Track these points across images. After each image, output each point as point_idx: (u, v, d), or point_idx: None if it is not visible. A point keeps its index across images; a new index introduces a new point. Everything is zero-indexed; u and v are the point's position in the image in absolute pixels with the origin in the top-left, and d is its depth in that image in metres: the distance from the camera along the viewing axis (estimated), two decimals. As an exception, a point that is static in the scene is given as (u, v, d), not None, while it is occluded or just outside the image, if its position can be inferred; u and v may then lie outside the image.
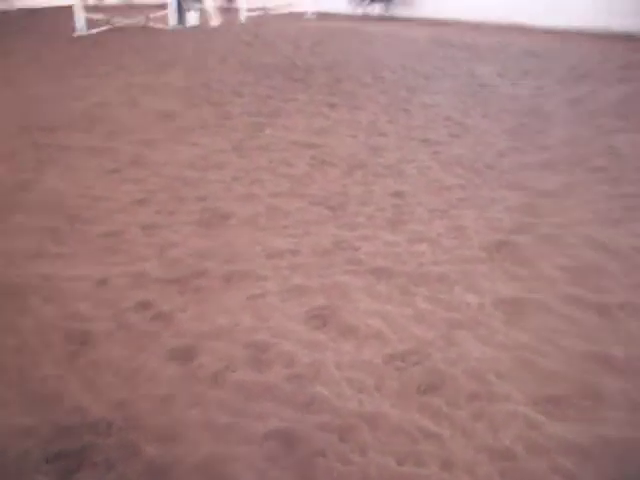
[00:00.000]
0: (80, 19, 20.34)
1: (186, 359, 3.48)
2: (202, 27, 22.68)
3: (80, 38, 19.82)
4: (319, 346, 3.59)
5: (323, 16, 26.13)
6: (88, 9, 22.00)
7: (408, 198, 5.88)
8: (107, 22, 21.53)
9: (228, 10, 25.08)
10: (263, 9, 26.05)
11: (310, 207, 5.66)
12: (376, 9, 26.22)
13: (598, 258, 4.70)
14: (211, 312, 3.94)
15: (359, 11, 26.50)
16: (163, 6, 23.07)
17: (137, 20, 22.56)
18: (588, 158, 7.13)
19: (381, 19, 25.21)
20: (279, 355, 3.50)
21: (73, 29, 20.36)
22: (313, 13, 26.36)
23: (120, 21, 22.09)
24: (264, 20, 24.83)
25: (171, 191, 6.07)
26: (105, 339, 3.68)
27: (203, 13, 23.44)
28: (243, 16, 24.79)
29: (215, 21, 23.11)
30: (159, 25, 22.00)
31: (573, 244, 4.93)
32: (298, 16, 26.13)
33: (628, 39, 18.56)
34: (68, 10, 21.61)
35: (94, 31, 20.55)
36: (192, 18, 23.22)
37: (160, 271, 4.48)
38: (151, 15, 22.50)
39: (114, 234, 5.10)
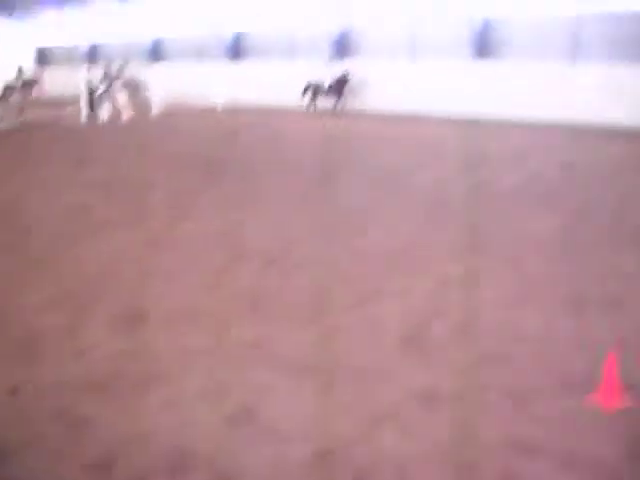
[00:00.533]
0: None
1: (104, 468, 3.40)
2: (114, 122, 22.79)
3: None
4: (240, 448, 3.58)
5: (237, 110, 26.61)
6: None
7: (324, 290, 5.98)
8: (19, 117, 21.41)
9: (140, 104, 25.28)
10: (176, 103, 26.37)
11: (228, 302, 5.68)
12: (328, 103, 26.41)
13: (509, 342, 4.86)
14: (129, 417, 3.88)
15: (311, 107, 26.44)
16: (75, 102, 23.12)
17: (50, 116, 22.52)
18: (495, 243, 7.44)
19: (324, 114, 25.28)
20: (199, 460, 3.46)
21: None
22: (225, 106, 26.86)
23: (32, 118, 22.01)
24: (177, 114, 25.12)
25: (87, 289, 6.01)
26: (20, 451, 3.57)
27: (115, 108, 23.59)
28: (156, 110, 25.04)
29: (127, 115, 23.25)
30: (71, 121, 22.00)
31: (485, 330, 5.09)
32: (211, 110, 26.55)
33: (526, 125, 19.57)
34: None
35: (5, 127, 20.38)
36: (104, 113, 23.34)
37: (76, 375, 4.40)
38: (63, 111, 22.51)
39: (27, 338, 4.99)
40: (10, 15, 42.82)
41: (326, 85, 26.06)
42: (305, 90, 26.32)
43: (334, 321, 5.29)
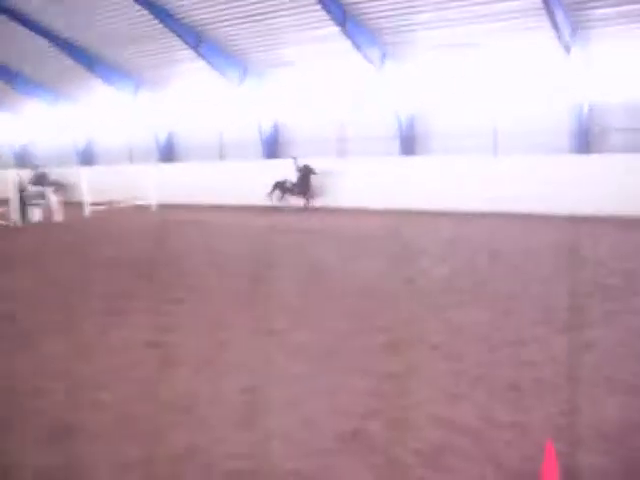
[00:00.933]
0: None
1: None
2: (45, 222, 22.53)
3: None
4: None
5: (169, 208, 26.66)
6: None
7: (257, 393, 5.89)
8: None
9: (73, 204, 25.12)
10: (109, 203, 26.28)
11: (159, 412, 5.52)
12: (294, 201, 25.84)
13: (447, 436, 4.88)
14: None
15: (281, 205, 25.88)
16: (4, 202, 22.85)
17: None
18: (427, 336, 7.52)
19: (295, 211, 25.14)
20: None
21: None
22: (158, 205, 26.89)
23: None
24: (109, 214, 25.00)
25: (11, 405, 5.78)
26: None
27: (46, 208, 23.37)
28: (87, 210, 24.88)
29: (58, 216, 23.04)
30: (0, 222, 21.68)
31: (422, 425, 5.10)
32: (144, 209, 26.53)
33: (456, 216, 20.17)
34: None
35: None
36: (35, 214, 23.10)
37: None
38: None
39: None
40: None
41: (291, 183, 25.50)
42: (273, 189, 25.70)
43: (270, 423, 5.21)
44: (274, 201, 25.67)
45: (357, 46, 22.78)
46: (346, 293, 9.97)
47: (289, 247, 15.17)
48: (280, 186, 25.61)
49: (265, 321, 8.39)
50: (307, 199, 25.37)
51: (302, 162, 25.29)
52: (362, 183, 24.32)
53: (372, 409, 5.43)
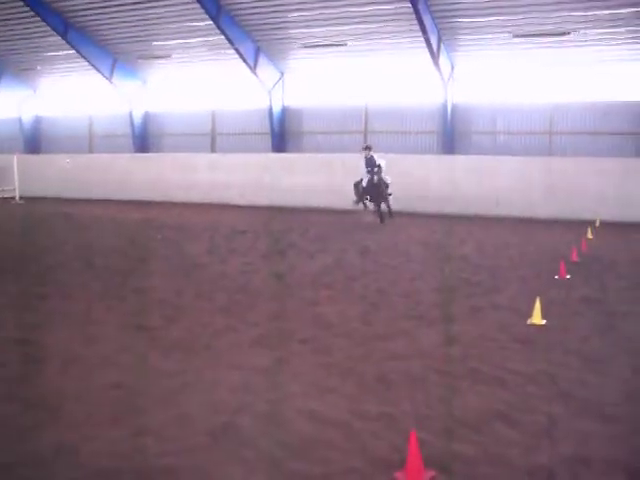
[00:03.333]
0: None
1: None
2: None
3: None
4: None
5: (36, 201, 25.55)
6: None
7: (127, 390, 5.77)
8: None
9: None
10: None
11: (24, 410, 5.29)
12: None
13: (317, 429, 4.94)
14: None
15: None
16: None
17: None
18: (297, 330, 7.59)
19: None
20: None
21: None
22: (22, 198, 25.74)
23: None
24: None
25: None
26: None
27: None
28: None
29: None
30: None
31: (292, 419, 5.14)
32: (6, 201, 25.32)
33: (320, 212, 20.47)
34: None
35: None
36: None
37: None
38: None
39: None
40: None
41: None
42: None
43: (142, 419, 5.11)
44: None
45: (230, 40, 22.65)
46: (219, 288, 9.92)
47: (156, 240, 14.93)
48: None
49: (136, 317, 8.23)
50: None
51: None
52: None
53: (244, 403, 5.43)
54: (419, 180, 21.36)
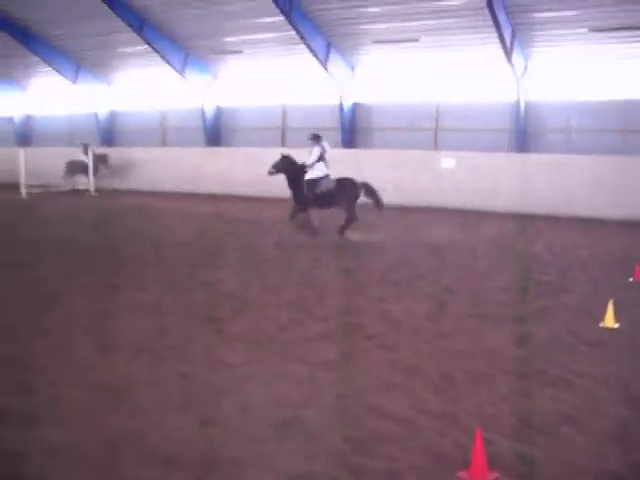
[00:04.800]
0: None
1: None
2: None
3: None
4: None
5: (109, 193, 26.15)
6: None
7: (194, 380, 5.89)
8: None
9: (10, 186, 24.48)
10: (44, 186, 25.69)
11: (93, 394, 5.47)
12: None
13: (381, 425, 4.95)
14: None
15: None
16: None
17: None
18: (363, 326, 7.61)
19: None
20: None
21: None
22: (96, 191, 26.37)
23: None
24: (45, 197, 24.43)
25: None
26: None
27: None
28: (23, 192, 24.31)
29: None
30: None
31: (357, 414, 5.17)
32: (81, 194, 25.98)
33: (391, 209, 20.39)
34: None
35: None
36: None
37: None
38: None
39: None
40: None
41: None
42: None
43: (207, 409, 5.21)
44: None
45: (301, 36, 22.73)
46: (287, 282, 10.00)
47: (226, 234, 15.12)
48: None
49: (204, 308, 8.37)
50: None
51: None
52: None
53: (308, 397, 5.47)
54: (489, 178, 21.02)
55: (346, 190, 14.79)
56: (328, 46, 23.75)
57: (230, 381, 5.84)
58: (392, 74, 24.45)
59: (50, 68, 30.15)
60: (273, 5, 21.53)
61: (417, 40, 22.17)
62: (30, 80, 33.63)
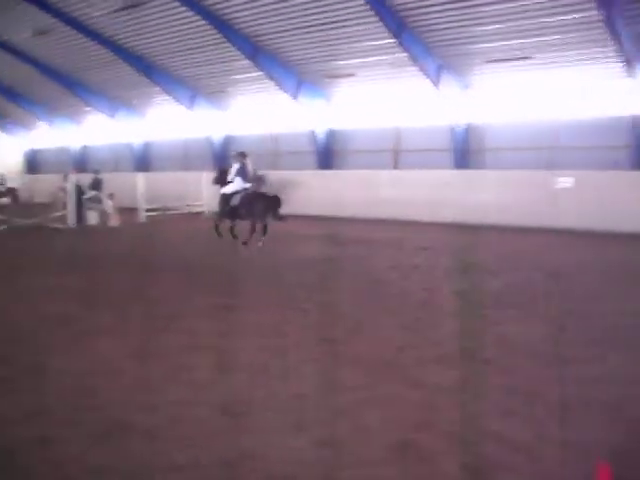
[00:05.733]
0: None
1: None
2: (101, 227, 22.97)
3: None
4: None
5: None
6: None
7: (311, 400, 5.92)
8: (4, 222, 21.57)
9: (129, 210, 25.55)
10: (162, 209, 26.69)
11: (214, 415, 5.59)
12: None
13: (499, 452, 4.82)
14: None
15: None
16: (64, 207, 23.35)
17: (35, 220, 22.69)
18: (480, 350, 7.45)
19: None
20: None
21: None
22: (211, 213, 27.15)
23: (18, 221, 22.17)
24: (163, 220, 25.35)
25: (70, 401, 5.91)
26: None
27: (102, 213, 23.83)
28: (142, 216, 25.30)
29: (114, 221, 23.46)
30: (58, 225, 22.13)
31: (474, 440, 5.06)
32: (196, 216, 26.85)
33: (506, 231, 19.99)
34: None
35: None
36: (91, 218, 23.59)
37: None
38: (50, 215, 22.68)
39: (7, 450, 4.88)
40: (3, 129, 43.90)
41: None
42: None
43: (324, 430, 5.22)
44: None
45: (413, 57, 22.75)
46: (401, 304, 9.94)
47: (339, 256, 15.21)
48: None
49: (319, 330, 8.42)
50: None
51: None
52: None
53: (424, 421, 5.40)
54: (610, 197, 20.25)
55: (250, 203, 16.40)
56: (440, 67, 23.67)
57: (346, 402, 5.84)
58: (506, 93, 24.06)
59: (168, 96, 31.47)
60: (383, 27, 21.67)
61: (530, 58, 21.77)
62: (148, 108, 35.19)
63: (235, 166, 17.02)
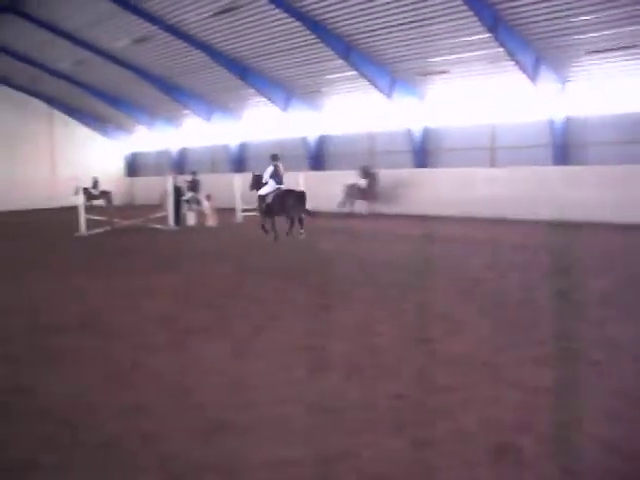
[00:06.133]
0: (82, 220, 21.18)
1: None
2: (200, 227, 23.48)
3: (81, 239, 20.44)
4: None
5: (318, 215, 27.02)
6: (89, 210, 23.05)
7: (407, 400, 5.87)
8: (107, 223, 22.37)
9: (225, 210, 26.04)
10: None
11: (311, 413, 5.62)
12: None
13: (605, 459, 4.64)
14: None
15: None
16: (163, 208, 24.02)
17: (136, 221, 23.42)
18: (583, 351, 7.21)
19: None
20: None
21: (74, 230, 21.09)
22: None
23: (120, 222, 22.95)
24: (259, 220, 25.65)
25: (170, 399, 6.06)
26: None
27: (200, 213, 24.35)
28: (239, 216, 25.72)
29: (212, 221, 23.95)
30: (158, 225, 22.77)
31: (576, 444, 4.89)
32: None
33: (608, 228, 19.31)
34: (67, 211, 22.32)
35: (95, 232, 21.26)
36: (190, 218, 24.17)
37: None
38: (150, 216, 23.35)
39: (111, 444, 5.05)
40: (105, 133, 45.49)
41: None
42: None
43: (421, 431, 5.16)
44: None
45: (509, 52, 22.24)
46: (499, 304, 9.74)
47: (434, 254, 15.04)
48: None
49: (415, 329, 8.36)
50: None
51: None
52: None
53: (524, 423, 5.27)
54: None
55: (281, 200, 18.10)
56: (537, 60, 23.04)
57: (444, 403, 5.77)
58: (607, 84, 23.17)
59: (263, 98, 31.90)
60: (478, 22, 21.27)
61: (635, 46, 20.89)
62: (244, 110, 35.79)
63: (269, 169, 18.55)
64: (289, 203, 18.01)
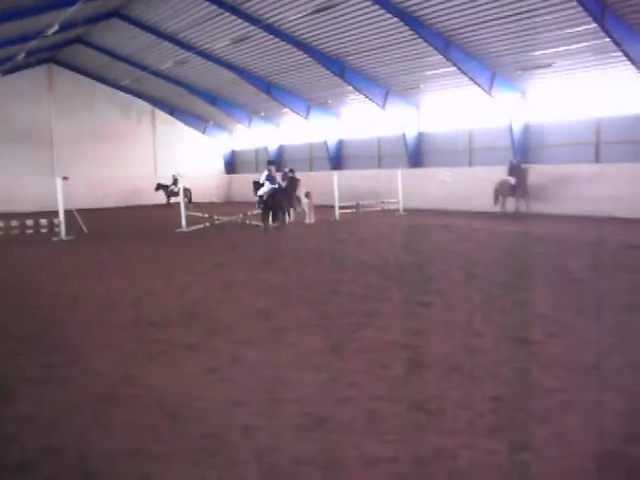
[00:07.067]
0: (183, 217, 21.85)
1: None
2: (298, 225, 23.71)
3: (181, 235, 21.02)
4: None
5: (414, 212, 26.89)
6: (188, 207, 23.76)
7: (506, 402, 5.73)
8: (207, 220, 22.91)
9: (323, 207, 26.20)
10: (356, 206, 27.10)
11: (407, 412, 5.58)
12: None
13: None
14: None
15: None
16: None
17: (235, 218, 23.88)
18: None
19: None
20: None
21: (175, 226, 21.73)
22: (405, 210, 27.26)
23: (218, 218, 23.47)
24: (357, 217, 25.75)
25: (269, 393, 6.12)
26: None
27: (299, 211, 24.58)
28: (337, 214, 25.82)
29: (310, 219, 24.13)
30: (256, 222, 23.14)
31: None
32: (390, 213, 27.00)
33: None
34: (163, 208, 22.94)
35: (194, 228, 21.85)
36: (288, 215, 24.42)
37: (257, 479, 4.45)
38: (249, 212, 23.77)
39: (212, 435, 5.14)
40: (205, 131, 46.53)
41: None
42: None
43: (520, 434, 5.03)
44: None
45: (617, 42, 21.36)
46: (604, 306, 9.38)
47: (538, 254, 14.67)
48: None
49: (516, 329, 8.17)
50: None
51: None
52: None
53: (635, 434, 5.02)
54: None
55: (272, 196, 21.98)
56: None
57: (544, 406, 5.60)
58: None
59: (361, 95, 31.86)
60: (584, 13, 20.54)
61: None
62: (342, 107, 35.86)
63: (264, 173, 22.72)
64: (279, 199, 22.10)
